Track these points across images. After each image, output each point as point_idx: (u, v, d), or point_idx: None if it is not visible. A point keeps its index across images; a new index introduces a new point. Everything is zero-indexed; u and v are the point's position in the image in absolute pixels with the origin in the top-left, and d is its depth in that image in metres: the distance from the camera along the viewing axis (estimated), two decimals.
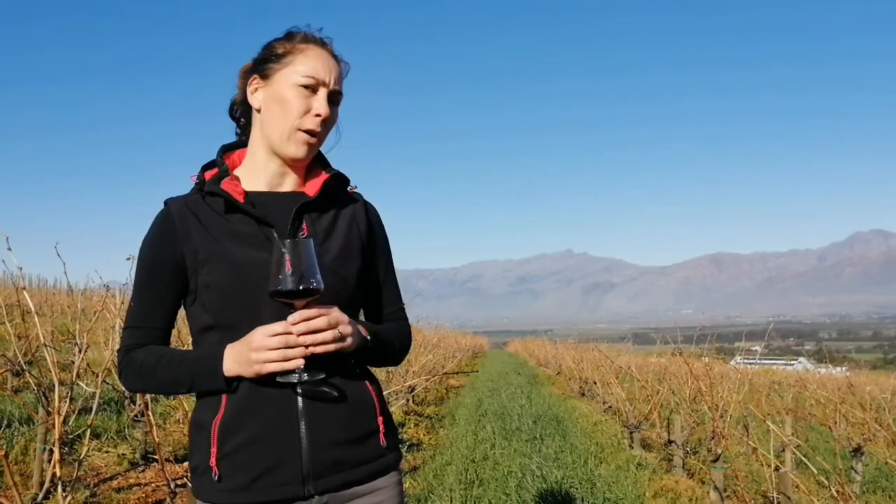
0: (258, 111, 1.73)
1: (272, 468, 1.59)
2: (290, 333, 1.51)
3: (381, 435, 1.73)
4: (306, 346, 1.52)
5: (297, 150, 1.69)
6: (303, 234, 1.68)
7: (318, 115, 1.67)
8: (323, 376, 1.58)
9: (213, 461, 1.60)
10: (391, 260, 1.93)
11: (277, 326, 1.51)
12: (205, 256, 1.63)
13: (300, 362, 1.52)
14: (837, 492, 3.36)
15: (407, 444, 8.10)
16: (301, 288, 1.48)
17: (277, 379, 1.55)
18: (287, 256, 1.48)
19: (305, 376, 1.54)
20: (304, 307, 1.52)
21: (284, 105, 1.66)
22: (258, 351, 1.52)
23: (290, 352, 1.51)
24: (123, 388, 5.89)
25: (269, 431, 1.60)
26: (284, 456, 1.60)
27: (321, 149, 1.78)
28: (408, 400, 10.78)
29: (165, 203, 1.72)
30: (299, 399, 1.62)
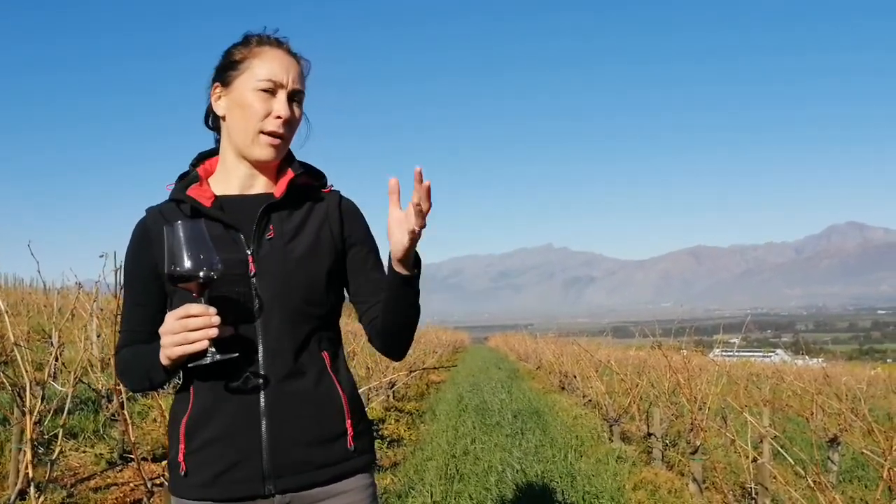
0: (223, 119, 1.74)
1: (234, 465, 1.62)
2: (192, 315, 1.49)
3: (350, 438, 1.72)
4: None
5: (263, 152, 1.70)
6: (269, 236, 1.70)
7: (278, 118, 1.68)
8: (236, 355, 1.56)
9: (181, 457, 1.64)
10: (375, 247, 1.87)
11: (180, 311, 1.50)
12: None
13: (205, 344, 1.50)
14: (814, 482, 3.38)
15: (387, 440, 8.10)
16: (201, 274, 1.48)
17: (188, 364, 1.55)
18: (181, 239, 1.48)
19: (217, 356, 1.53)
20: (202, 291, 1.52)
21: (246, 110, 1.68)
22: (164, 336, 1.52)
23: (192, 335, 1.49)
24: (99, 387, 5.83)
25: (232, 429, 1.62)
26: (246, 454, 1.62)
27: (292, 148, 1.79)
28: (388, 396, 10.77)
29: (146, 211, 1.76)
30: (262, 397, 1.63)
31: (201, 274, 1.48)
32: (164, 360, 1.55)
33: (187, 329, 1.49)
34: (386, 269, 1.67)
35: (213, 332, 1.50)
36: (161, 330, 1.53)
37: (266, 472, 1.62)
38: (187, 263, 1.47)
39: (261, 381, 1.63)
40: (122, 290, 1.78)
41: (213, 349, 1.52)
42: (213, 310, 1.51)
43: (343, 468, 1.70)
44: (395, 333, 1.76)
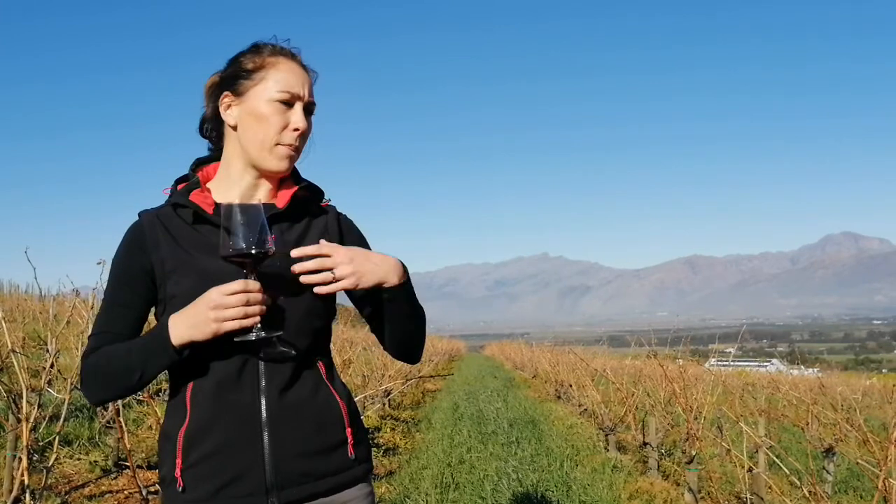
0: (234, 128, 1.71)
1: (235, 479, 1.58)
2: (249, 291, 1.51)
3: (350, 446, 1.71)
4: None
5: (279, 163, 1.69)
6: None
7: (296, 130, 1.67)
8: (280, 333, 1.59)
9: (177, 472, 1.59)
10: None
11: (236, 285, 1.51)
12: (172, 267, 1.64)
13: (256, 320, 1.52)
14: (809, 492, 3.39)
15: (383, 448, 8.08)
16: (254, 251, 1.50)
17: (235, 339, 1.54)
18: (238, 219, 1.50)
19: (263, 333, 1.55)
20: (255, 268, 1.54)
21: (262, 121, 1.66)
22: (217, 309, 1.50)
23: (250, 309, 1.51)
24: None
25: (232, 441, 1.59)
26: (248, 466, 1.59)
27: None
28: (384, 404, 10.75)
29: (139, 215, 1.72)
30: (263, 409, 1.61)
31: (254, 251, 1.50)
32: (198, 336, 1.52)
33: (247, 303, 1.50)
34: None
35: (264, 308, 1.53)
36: (208, 304, 1.51)
37: (269, 485, 1.59)
38: (244, 241, 1.49)
39: (262, 391, 1.62)
40: (106, 292, 1.72)
41: (260, 325, 1.54)
42: (260, 286, 1.54)
43: (344, 478, 1.69)
44: (401, 342, 1.82)
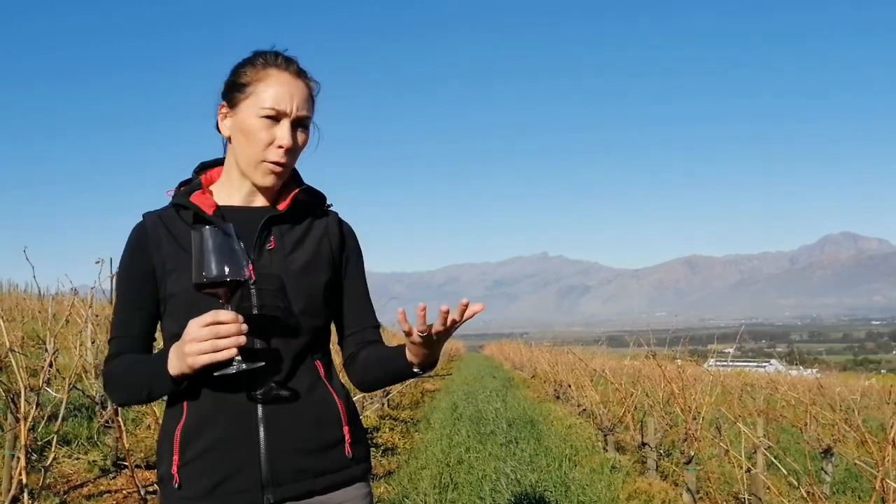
0: (228, 139, 1.74)
1: (231, 475, 1.59)
2: (221, 323, 1.44)
3: (347, 445, 1.71)
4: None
5: (264, 179, 1.70)
6: (270, 247, 1.70)
7: (280, 147, 1.66)
8: (262, 364, 1.54)
9: (174, 469, 1.60)
10: (365, 278, 1.92)
11: (207, 317, 1.45)
12: (172, 266, 1.65)
13: (233, 352, 1.45)
14: (808, 493, 3.39)
15: (381, 448, 8.08)
16: (228, 279, 1.44)
17: (214, 374, 1.49)
18: (210, 245, 1.45)
19: (244, 366, 1.49)
20: (230, 297, 1.49)
21: (249, 137, 1.66)
22: (190, 343, 1.45)
23: (222, 342, 1.44)
24: (94, 394, 5.81)
25: (228, 438, 1.60)
26: (243, 463, 1.60)
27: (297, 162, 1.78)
28: (383, 404, 10.75)
29: (143, 216, 1.74)
30: (259, 405, 1.62)
31: (229, 279, 1.44)
32: (184, 369, 1.49)
33: (217, 336, 1.43)
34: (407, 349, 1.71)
35: (242, 339, 1.46)
36: (185, 337, 1.47)
37: (265, 481, 1.59)
38: (216, 268, 1.43)
39: (259, 389, 1.62)
40: (116, 294, 1.74)
41: (240, 358, 1.47)
42: (241, 317, 1.47)
43: (341, 476, 1.70)
44: (379, 386, 1.91)
